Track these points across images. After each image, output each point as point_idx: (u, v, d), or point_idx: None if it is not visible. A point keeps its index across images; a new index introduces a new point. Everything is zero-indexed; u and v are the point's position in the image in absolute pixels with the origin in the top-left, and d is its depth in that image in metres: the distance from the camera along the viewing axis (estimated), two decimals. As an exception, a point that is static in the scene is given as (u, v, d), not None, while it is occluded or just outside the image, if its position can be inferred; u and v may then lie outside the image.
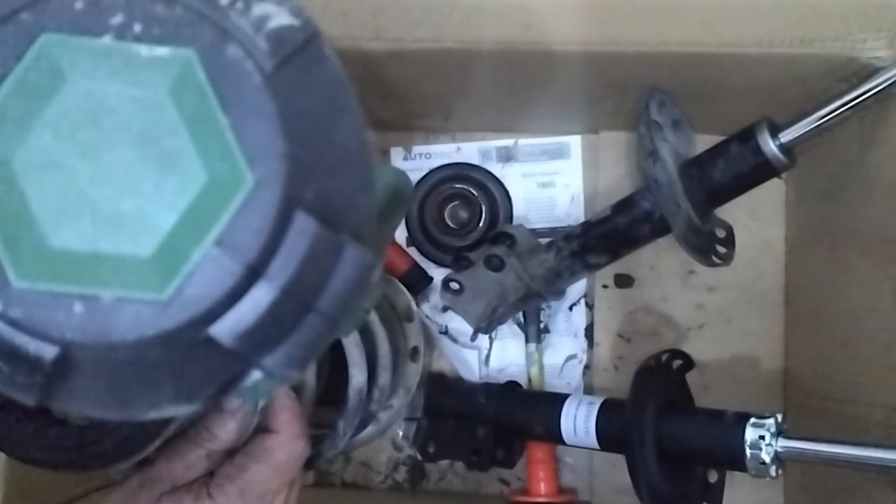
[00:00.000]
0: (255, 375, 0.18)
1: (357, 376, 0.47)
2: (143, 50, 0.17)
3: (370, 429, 0.55)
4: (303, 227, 0.16)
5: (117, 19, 0.17)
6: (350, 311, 0.23)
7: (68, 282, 0.16)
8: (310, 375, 0.42)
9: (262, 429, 0.35)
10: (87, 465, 0.30)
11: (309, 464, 0.47)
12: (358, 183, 0.17)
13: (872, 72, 0.43)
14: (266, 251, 0.16)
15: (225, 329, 0.16)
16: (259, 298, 0.16)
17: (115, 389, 0.18)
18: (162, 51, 0.17)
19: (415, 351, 0.58)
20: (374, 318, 0.51)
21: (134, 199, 0.16)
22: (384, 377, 0.51)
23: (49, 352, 0.16)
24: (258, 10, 0.17)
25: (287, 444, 0.35)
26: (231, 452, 0.35)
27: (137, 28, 0.17)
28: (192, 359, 0.17)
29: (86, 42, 0.17)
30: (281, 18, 0.18)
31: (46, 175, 0.17)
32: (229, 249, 0.16)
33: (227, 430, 0.34)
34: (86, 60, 0.17)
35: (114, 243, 0.16)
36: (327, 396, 0.48)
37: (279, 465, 0.34)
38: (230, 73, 0.17)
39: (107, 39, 0.17)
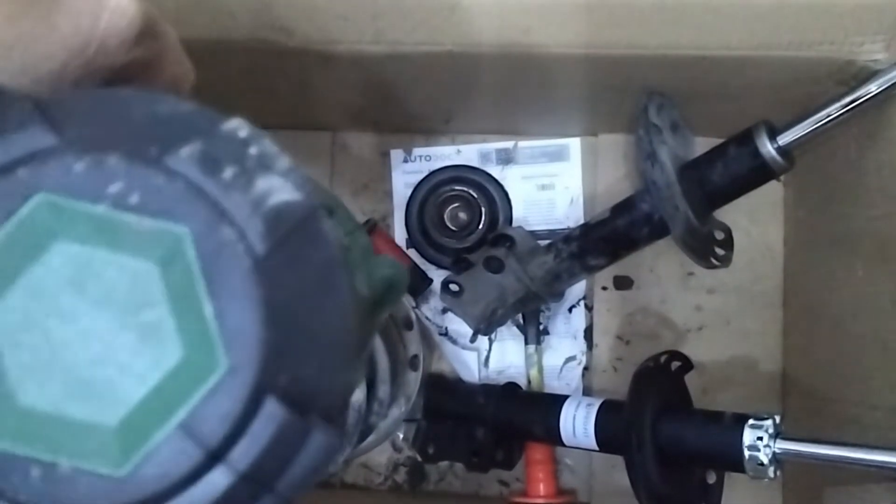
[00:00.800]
0: None
1: (356, 394, 0.47)
2: (138, 221, 0.17)
3: (370, 438, 0.55)
4: (271, 414, 0.16)
5: (116, 187, 0.17)
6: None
7: (30, 444, 0.16)
8: None
9: None
10: None
11: None
12: (335, 365, 0.17)
13: (870, 74, 0.44)
14: (230, 437, 0.16)
15: None
16: (216, 482, 0.16)
17: None
18: (156, 224, 0.17)
19: (414, 359, 0.59)
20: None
21: (107, 367, 0.16)
22: (383, 390, 0.51)
23: None
24: (261, 184, 0.17)
25: None
26: None
27: (134, 199, 0.17)
28: None
29: (81, 207, 0.17)
30: (283, 194, 0.17)
31: (23, 334, 0.16)
32: (192, 433, 0.16)
33: None
34: (78, 225, 0.17)
35: (80, 409, 0.16)
36: None
37: None
38: (221, 254, 0.16)
39: (102, 208, 0.17)
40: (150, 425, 0.16)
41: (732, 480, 0.51)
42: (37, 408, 0.16)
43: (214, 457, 0.16)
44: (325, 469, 0.17)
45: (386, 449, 0.65)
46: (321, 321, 0.17)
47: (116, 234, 0.17)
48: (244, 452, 0.16)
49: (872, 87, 0.43)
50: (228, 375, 0.16)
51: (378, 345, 0.52)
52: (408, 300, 0.64)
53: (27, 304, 0.17)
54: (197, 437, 0.16)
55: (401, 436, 0.64)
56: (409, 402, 0.58)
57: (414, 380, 0.58)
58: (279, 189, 0.17)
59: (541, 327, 0.64)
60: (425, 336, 0.65)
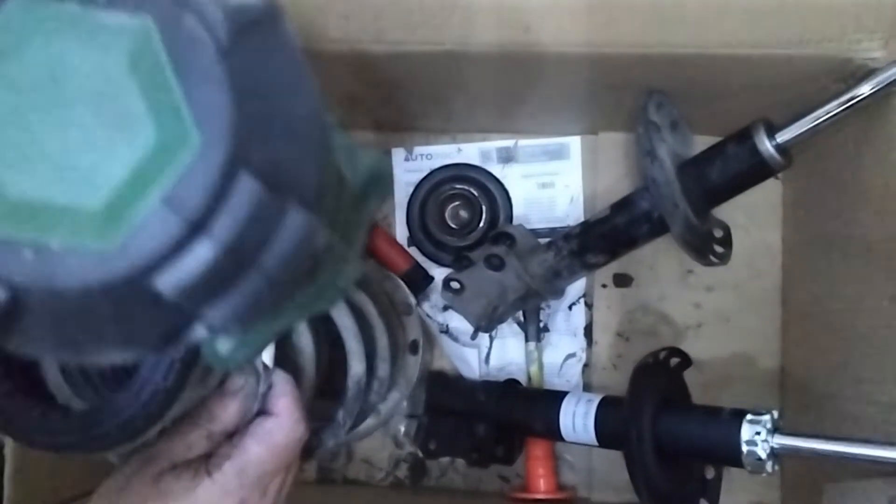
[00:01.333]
0: (200, 330, 0.18)
1: (356, 367, 0.48)
2: (105, 16, 0.18)
3: (370, 421, 0.56)
4: (246, 188, 0.17)
5: None
6: (323, 285, 0.24)
7: (20, 228, 0.17)
8: (309, 366, 0.43)
9: (262, 413, 0.36)
10: (89, 448, 0.31)
11: (310, 453, 0.48)
12: (307, 153, 0.18)
13: (868, 72, 0.44)
14: (209, 209, 0.17)
15: (167, 282, 0.17)
16: (200, 254, 0.17)
17: (63, 333, 0.19)
18: (122, 18, 0.18)
19: (414, 344, 0.59)
20: (372, 311, 0.52)
21: (88, 153, 0.17)
22: (383, 369, 0.52)
23: None
24: None
25: (286, 428, 0.36)
26: (231, 435, 0.36)
27: None
28: (136, 309, 0.18)
29: (51, 7, 0.18)
30: None
31: (5, 127, 0.17)
32: (173, 205, 0.17)
33: (227, 411, 0.35)
34: (50, 23, 0.18)
35: (66, 194, 0.17)
36: (327, 389, 0.49)
37: (278, 448, 0.35)
38: (186, 41, 0.17)
39: (71, 6, 0.18)
40: (134, 201, 0.17)
41: (731, 475, 0.52)
42: (25, 196, 0.17)
43: (196, 227, 0.17)
44: (307, 252, 0.18)
45: (388, 444, 0.65)
46: (290, 109, 0.18)
47: (86, 29, 0.17)
48: (224, 224, 0.17)
49: (870, 85, 0.43)
50: (202, 150, 0.17)
51: (378, 324, 0.52)
52: (408, 295, 0.64)
53: (7, 99, 0.17)
54: (178, 208, 0.17)
55: (402, 431, 0.64)
56: (408, 386, 0.58)
57: (414, 364, 0.59)
58: None
59: (541, 324, 0.64)
60: (425, 328, 0.66)
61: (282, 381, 0.37)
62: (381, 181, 0.26)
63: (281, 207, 0.17)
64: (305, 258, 0.18)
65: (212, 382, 0.35)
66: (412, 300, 0.61)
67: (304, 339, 0.43)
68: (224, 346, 0.22)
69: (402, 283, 0.61)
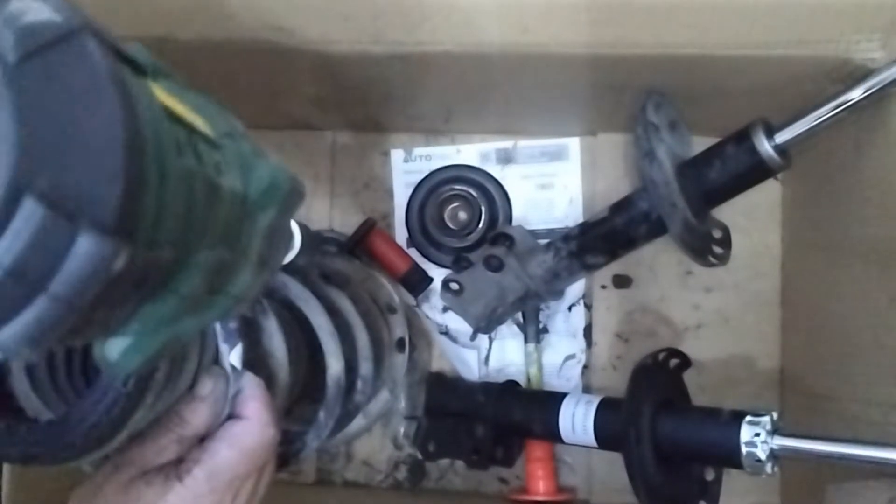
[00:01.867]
0: None
1: (333, 365, 0.48)
2: None
3: (360, 421, 0.56)
4: (30, 213, 0.17)
5: None
6: (213, 294, 0.24)
7: None
8: (281, 369, 0.43)
9: (232, 417, 0.36)
10: (57, 458, 0.31)
11: (295, 456, 0.48)
12: (105, 175, 0.18)
13: (867, 73, 0.44)
14: None
15: None
16: None
17: None
18: None
19: (401, 342, 0.59)
20: (349, 309, 0.52)
21: None
22: (366, 367, 0.52)
23: None
24: (15, 5, 0.18)
25: (256, 431, 0.36)
26: (202, 439, 0.36)
27: None
28: None
29: None
30: (39, 14, 0.18)
31: None
32: None
33: (197, 415, 0.35)
34: None
35: None
36: (309, 392, 0.49)
37: (248, 451, 0.35)
38: None
39: None
40: None
41: (731, 477, 0.51)
42: None
43: None
44: (103, 276, 0.18)
45: (387, 446, 0.65)
46: (87, 132, 0.18)
47: None
48: (6, 249, 0.17)
49: (869, 86, 0.43)
50: None
51: (356, 322, 0.52)
52: (406, 297, 0.64)
53: None
54: None
55: (401, 433, 0.64)
56: (396, 385, 0.58)
57: (401, 362, 0.58)
58: (35, 10, 0.18)
59: (540, 326, 0.64)
60: (422, 328, 0.66)
61: (251, 384, 0.37)
62: (278, 191, 0.26)
63: (70, 232, 0.17)
64: (103, 281, 0.18)
65: (181, 387, 0.35)
66: (396, 297, 0.60)
67: (276, 342, 0.43)
68: (112, 350, 0.22)
69: (384, 281, 0.61)
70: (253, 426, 0.36)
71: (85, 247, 0.17)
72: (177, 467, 0.34)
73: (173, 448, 0.35)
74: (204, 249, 0.22)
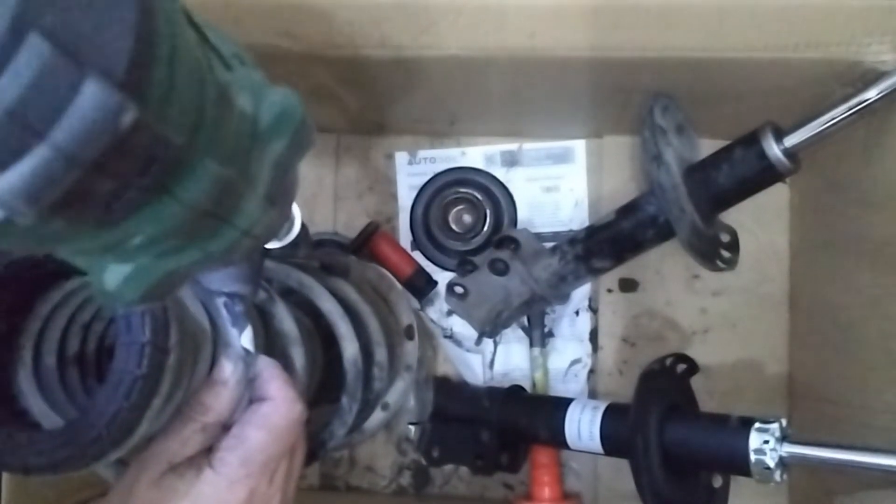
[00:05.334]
0: None
1: (349, 349, 0.48)
2: None
3: (380, 413, 0.55)
4: (35, 50, 0.16)
5: None
6: (217, 222, 0.23)
7: None
8: (297, 351, 0.43)
9: (255, 400, 0.36)
10: (58, 468, 0.30)
11: (323, 446, 0.47)
12: (116, 27, 0.17)
13: (877, 76, 0.43)
14: None
15: None
16: None
17: None
18: None
19: (409, 329, 0.58)
20: (355, 296, 0.52)
21: None
22: (380, 353, 0.52)
23: None
24: None
25: (283, 408, 0.35)
26: (227, 427, 0.35)
27: None
28: None
29: None
30: None
31: None
32: None
33: (219, 400, 0.34)
34: None
35: None
36: (328, 391, 0.49)
37: (278, 430, 0.35)
38: None
39: None
40: None
41: (738, 484, 0.51)
42: None
43: None
44: (108, 131, 0.17)
45: (390, 452, 0.65)
46: None
47: None
48: (7, 86, 0.16)
49: (879, 89, 0.43)
50: None
51: (365, 309, 0.52)
52: (412, 301, 0.64)
53: None
54: None
55: (406, 438, 0.64)
56: (410, 372, 0.58)
57: (412, 348, 0.58)
58: None
59: (546, 330, 0.64)
60: (428, 332, 0.65)
61: (268, 365, 0.36)
62: (290, 120, 0.25)
63: (77, 76, 0.16)
64: (109, 138, 0.17)
65: (199, 376, 0.35)
66: (398, 286, 0.60)
67: (287, 325, 0.43)
68: (111, 279, 0.21)
69: (385, 272, 0.61)
70: (279, 405, 0.35)
71: (91, 94, 0.16)
72: (208, 457, 0.34)
73: (198, 438, 0.34)
74: (212, 158, 0.21)
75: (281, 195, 0.26)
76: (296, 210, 0.41)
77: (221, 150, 0.22)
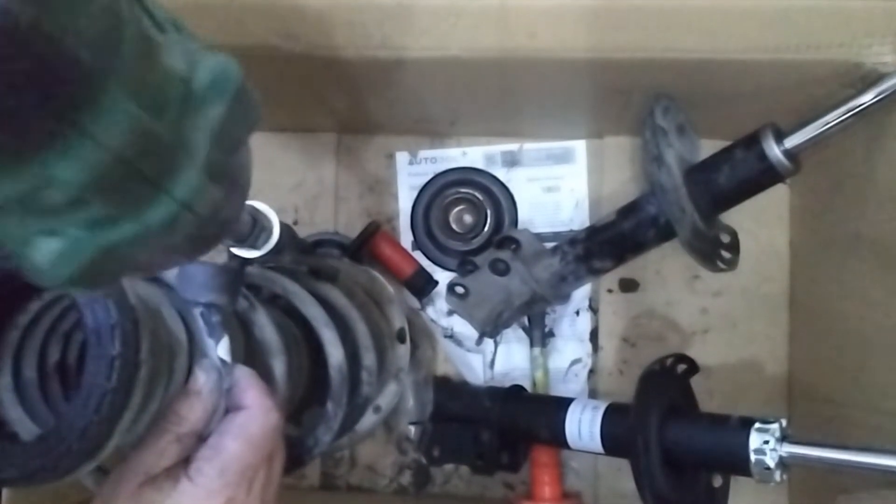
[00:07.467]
0: None
1: (333, 354, 0.47)
2: None
3: (371, 416, 0.55)
4: None
5: None
6: (154, 191, 0.21)
7: None
8: (278, 360, 0.42)
9: (232, 409, 0.36)
10: (31, 480, 0.30)
11: (309, 452, 0.47)
12: None
13: (878, 77, 0.43)
14: None
15: None
16: None
17: None
18: None
19: (400, 332, 0.58)
20: (342, 301, 0.52)
21: None
22: (369, 358, 0.51)
23: None
24: None
25: (260, 418, 0.35)
26: (202, 437, 0.35)
27: None
28: None
29: None
30: None
31: None
32: None
33: (193, 411, 0.34)
34: None
35: None
36: (316, 397, 0.49)
37: (255, 440, 0.35)
38: None
39: None
40: None
41: (738, 484, 0.51)
42: None
43: None
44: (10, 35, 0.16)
45: (391, 451, 0.65)
46: None
47: None
48: None
49: (880, 90, 0.43)
50: None
51: (352, 314, 0.51)
52: (406, 304, 0.64)
53: None
54: None
55: (406, 438, 0.64)
56: (401, 376, 0.58)
57: (404, 352, 0.58)
58: None
59: (546, 330, 0.64)
60: (428, 332, 0.65)
61: (245, 374, 0.36)
62: (227, 83, 0.24)
63: None
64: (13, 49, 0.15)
65: (174, 386, 0.35)
66: (390, 289, 0.60)
67: (268, 333, 0.43)
68: (43, 256, 0.20)
69: (377, 274, 0.61)
70: (255, 414, 0.35)
71: None
72: (185, 467, 0.34)
73: (174, 448, 0.34)
74: (130, 99, 0.20)
75: (227, 174, 0.25)
76: (273, 217, 0.41)
77: (144, 95, 0.21)
